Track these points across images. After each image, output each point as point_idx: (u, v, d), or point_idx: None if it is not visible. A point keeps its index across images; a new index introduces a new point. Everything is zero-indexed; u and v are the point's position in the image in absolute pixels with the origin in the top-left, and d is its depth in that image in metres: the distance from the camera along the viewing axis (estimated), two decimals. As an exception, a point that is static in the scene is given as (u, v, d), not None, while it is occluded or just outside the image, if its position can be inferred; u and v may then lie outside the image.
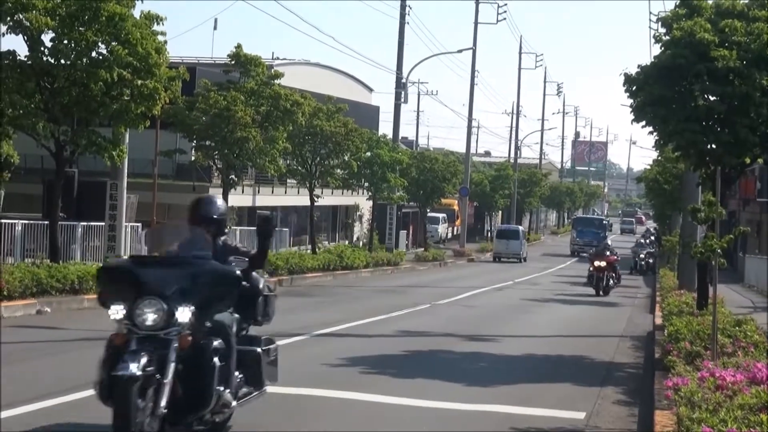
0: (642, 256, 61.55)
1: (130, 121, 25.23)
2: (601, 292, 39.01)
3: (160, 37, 25.42)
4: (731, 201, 58.87)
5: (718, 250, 14.89)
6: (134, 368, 8.44)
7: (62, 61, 24.46)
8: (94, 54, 24.74)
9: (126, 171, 28.00)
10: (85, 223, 30.24)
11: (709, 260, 15.66)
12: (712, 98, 20.12)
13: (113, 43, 24.43)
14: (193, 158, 36.70)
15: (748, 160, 21.30)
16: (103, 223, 28.69)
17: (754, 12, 20.53)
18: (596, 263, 39.67)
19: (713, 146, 20.42)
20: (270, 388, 13.93)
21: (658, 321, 24.38)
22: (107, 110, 24.90)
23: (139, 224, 32.71)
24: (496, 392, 14.82)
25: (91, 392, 12.53)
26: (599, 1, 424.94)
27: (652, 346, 20.65)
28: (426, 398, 13.73)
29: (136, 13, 25.14)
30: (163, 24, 25.51)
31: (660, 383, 13.54)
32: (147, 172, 38.83)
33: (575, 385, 16.01)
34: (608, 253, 40.42)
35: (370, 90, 71.29)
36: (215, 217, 10.29)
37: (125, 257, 9.38)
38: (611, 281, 40.27)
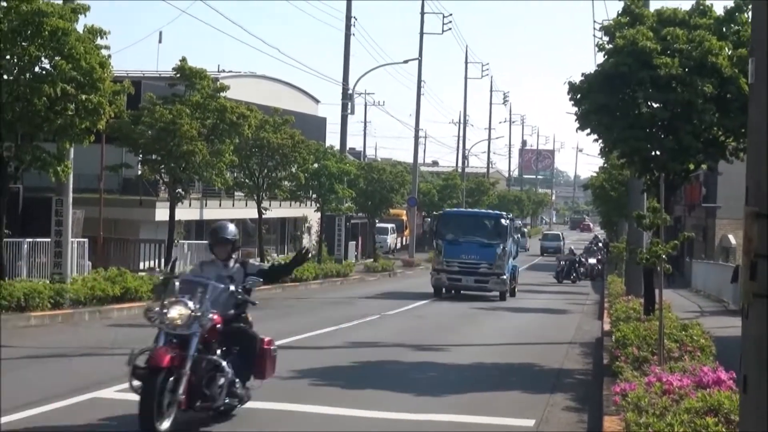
0: (591, 262, 61.88)
1: (75, 136, 25.04)
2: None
3: (104, 51, 25.27)
4: (676, 207, 59.36)
5: (664, 256, 15.00)
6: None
7: (5, 77, 24.23)
8: (37, 69, 24.54)
9: (71, 186, 27.76)
10: (30, 240, 30.00)
11: (654, 266, 15.77)
12: (655, 105, 20.28)
13: (56, 58, 24.21)
14: (139, 172, 36.55)
15: (692, 166, 21.47)
16: (49, 239, 28.44)
17: (695, 20, 20.74)
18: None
19: (657, 153, 20.57)
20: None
21: (607, 327, 24.50)
22: (51, 125, 24.68)
23: (86, 240, 32.48)
24: (446, 402, 14.82)
25: (41, 410, 12.56)
26: (544, 11, 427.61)
27: (601, 352, 20.75)
28: (375, 409, 13.72)
29: (80, 27, 24.98)
30: (106, 38, 25.37)
31: (608, 389, 13.61)
32: (93, 187, 38.58)
33: (525, 392, 16.06)
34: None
35: (317, 101, 71.22)
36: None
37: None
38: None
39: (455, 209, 60.52)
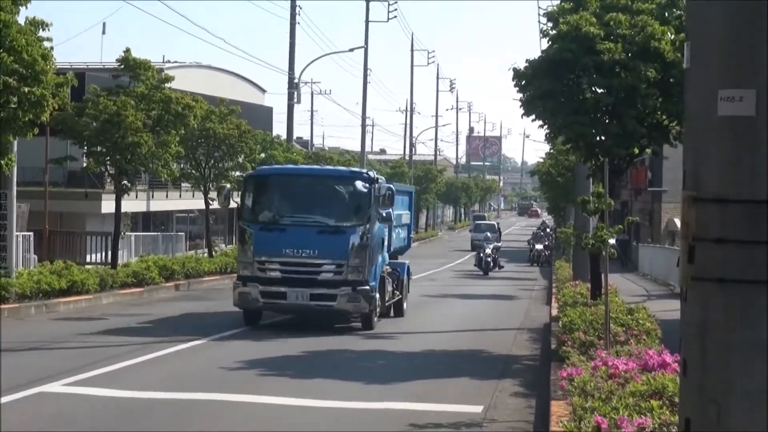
0: (538, 248, 62.15)
1: (18, 129, 24.78)
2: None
3: (47, 43, 25.00)
4: (623, 191, 59.74)
5: (609, 241, 15.09)
6: None
7: (-55, 70, 23.95)
8: (-22, 62, 24.26)
9: (15, 180, 27.49)
10: (-25, 234, 29.71)
11: (600, 251, 15.87)
12: (599, 91, 20.41)
13: (-2, 51, 23.97)
14: (84, 165, 36.22)
15: (636, 151, 21.63)
16: (-7, 234, 28.16)
17: (637, 5, 20.86)
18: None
19: (602, 138, 20.69)
20: (166, 394, 13.88)
21: (554, 312, 24.63)
22: (-6, 118, 24.44)
23: (31, 233, 32.21)
24: (395, 389, 14.85)
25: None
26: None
27: (549, 338, 20.86)
28: (325, 398, 13.73)
29: (21, 19, 24.72)
30: (49, 30, 25.09)
31: (555, 374, 13.70)
32: (38, 180, 38.26)
33: (473, 379, 16.13)
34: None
35: (263, 91, 70.99)
36: None
37: None
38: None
39: (274, 167, 35.54)
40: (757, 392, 4.81)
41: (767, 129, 4.81)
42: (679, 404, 5.34)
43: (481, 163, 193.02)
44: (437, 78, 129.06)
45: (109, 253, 35.04)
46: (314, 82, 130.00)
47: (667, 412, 9.11)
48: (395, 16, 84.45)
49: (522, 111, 21.24)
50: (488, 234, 64.64)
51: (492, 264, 51.49)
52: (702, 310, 4.93)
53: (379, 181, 24.90)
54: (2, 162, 25.03)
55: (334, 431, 12.11)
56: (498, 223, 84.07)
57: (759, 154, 4.81)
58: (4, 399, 12.98)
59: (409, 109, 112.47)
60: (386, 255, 25.85)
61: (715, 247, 4.87)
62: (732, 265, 4.84)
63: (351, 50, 73.43)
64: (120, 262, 34.03)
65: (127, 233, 40.58)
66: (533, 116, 21.06)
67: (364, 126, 78.48)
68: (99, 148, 33.34)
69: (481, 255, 51.76)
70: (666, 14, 20.88)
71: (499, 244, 60.29)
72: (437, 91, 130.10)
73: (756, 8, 4.82)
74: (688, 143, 5.07)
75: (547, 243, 63.75)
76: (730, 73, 4.86)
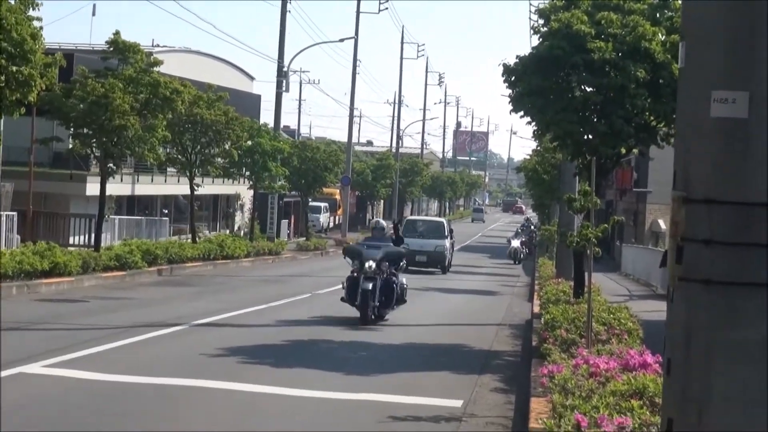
0: (514, 245, 62.14)
1: (5, 108, 24.71)
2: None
3: (36, 23, 24.93)
4: (608, 191, 59.87)
5: (593, 239, 15.09)
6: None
7: (-67, 47, 23.84)
8: (-34, 40, 24.17)
9: (0, 159, 27.42)
10: (-42, 213, 29.63)
11: (584, 249, 15.87)
12: (588, 89, 20.41)
13: (-14, 29, 23.87)
14: (70, 146, 36.10)
15: (623, 151, 21.62)
16: (-23, 213, 28.10)
17: (629, 5, 20.85)
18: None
19: (590, 136, 20.68)
20: (145, 379, 13.86)
21: (536, 309, 24.64)
22: (-20, 97, 24.36)
23: (14, 213, 32.11)
24: (375, 381, 14.85)
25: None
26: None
27: (530, 334, 20.87)
28: (304, 387, 13.71)
29: (11, -2, 24.64)
30: (38, 9, 25.03)
31: (536, 371, 13.69)
32: (23, 160, 38.08)
33: (454, 373, 16.12)
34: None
35: (252, 78, 70.79)
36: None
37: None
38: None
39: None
40: (738, 394, 4.81)
41: (759, 132, 4.81)
42: (662, 404, 5.33)
43: (468, 158, 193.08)
44: (426, 71, 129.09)
45: (93, 235, 34.95)
46: (303, 71, 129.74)
47: (648, 413, 9.12)
48: (386, 8, 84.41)
49: (510, 107, 21.22)
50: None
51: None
52: (687, 310, 4.93)
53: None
54: (-12, 141, 24.96)
55: (313, 420, 12.08)
56: (448, 221, 59.57)
57: (750, 156, 4.81)
58: (-17, 378, 12.94)
59: (397, 101, 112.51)
60: None
61: (703, 248, 4.87)
62: (719, 266, 4.84)
63: (341, 41, 73.31)
64: (103, 245, 33.95)
65: (111, 216, 40.47)
66: (522, 112, 21.04)
67: (351, 117, 78.46)
68: (85, 130, 33.25)
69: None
70: (657, 15, 20.88)
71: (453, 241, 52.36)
72: (426, 84, 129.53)
73: (753, 9, 4.82)
74: (680, 143, 5.07)
75: (524, 239, 63.89)
76: (724, 75, 4.85)
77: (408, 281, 25.15)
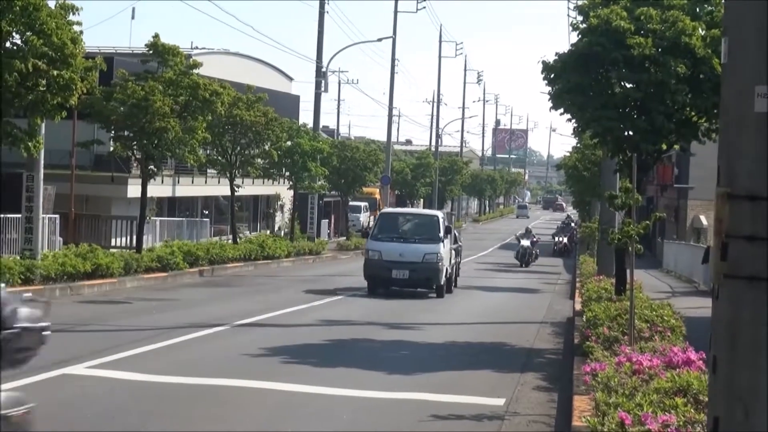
0: (563, 240, 62.10)
1: (47, 112, 24.85)
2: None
3: (76, 27, 25.06)
4: (649, 187, 59.51)
5: (635, 236, 15.02)
6: None
7: (-25, 52, 24.02)
8: (8, 44, 24.33)
9: (42, 162, 27.60)
10: (1, 216, 29.80)
11: (626, 246, 15.79)
12: (628, 85, 20.30)
13: (28, 33, 24.00)
14: (111, 149, 36.30)
15: (664, 147, 21.52)
16: (19, 215, 28.28)
17: (668, 0, 20.73)
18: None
19: (630, 133, 20.58)
20: (188, 379, 13.91)
21: (578, 307, 24.56)
22: (22, 101, 24.47)
23: (57, 216, 32.31)
24: (417, 380, 14.84)
25: (10, 386, 12.46)
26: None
27: (572, 332, 20.80)
28: (346, 387, 13.73)
29: (51, 3, 24.79)
30: (78, 14, 25.17)
31: (579, 369, 13.64)
32: (64, 163, 38.34)
33: (495, 371, 16.09)
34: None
35: (290, 79, 70.93)
36: None
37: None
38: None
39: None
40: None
41: (803, 126, 4.76)
42: (708, 403, 5.29)
43: (507, 156, 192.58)
44: (465, 69, 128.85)
45: (134, 237, 35.15)
46: (342, 71, 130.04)
47: (692, 410, 9.05)
48: (424, 7, 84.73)
49: (550, 104, 21.19)
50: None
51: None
52: (733, 307, 4.89)
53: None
54: (30, 144, 25.11)
55: (355, 419, 12.09)
56: (445, 215, 38.25)
57: (794, 151, 4.76)
58: (28, 380, 13.03)
59: (435, 100, 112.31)
60: None
61: (747, 245, 4.82)
62: (763, 263, 4.80)
63: (379, 40, 73.38)
64: (145, 246, 34.11)
65: (152, 218, 40.66)
66: (561, 110, 20.99)
67: (390, 116, 78.49)
68: (126, 133, 33.46)
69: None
70: (697, 10, 20.75)
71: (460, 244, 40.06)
72: (464, 82, 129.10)
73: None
74: (723, 139, 5.03)
75: (570, 236, 63.75)
76: (767, 70, 4.81)
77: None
